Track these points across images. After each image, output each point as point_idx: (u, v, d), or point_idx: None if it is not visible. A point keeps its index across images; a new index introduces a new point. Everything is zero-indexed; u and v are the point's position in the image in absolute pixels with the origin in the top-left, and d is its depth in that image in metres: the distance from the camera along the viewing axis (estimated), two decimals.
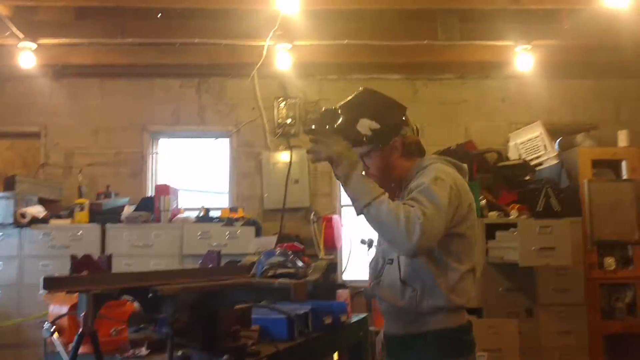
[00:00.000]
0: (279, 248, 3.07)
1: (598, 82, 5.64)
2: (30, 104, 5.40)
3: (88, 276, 1.79)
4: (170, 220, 4.78)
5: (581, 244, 4.73)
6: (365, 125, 1.99)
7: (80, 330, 1.55)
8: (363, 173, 1.90)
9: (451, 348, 1.94)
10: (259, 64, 5.06)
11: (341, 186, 1.90)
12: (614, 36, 4.67)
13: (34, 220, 4.64)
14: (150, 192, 5.34)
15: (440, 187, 1.86)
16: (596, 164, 4.96)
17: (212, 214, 4.96)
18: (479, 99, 5.64)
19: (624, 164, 4.99)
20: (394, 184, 2.04)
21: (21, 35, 4.59)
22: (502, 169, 5.07)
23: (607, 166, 5.05)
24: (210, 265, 2.14)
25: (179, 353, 1.79)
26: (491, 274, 4.56)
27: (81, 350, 1.61)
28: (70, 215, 4.80)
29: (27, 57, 4.78)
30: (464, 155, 4.87)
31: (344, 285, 2.99)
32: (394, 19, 4.87)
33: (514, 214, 4.65)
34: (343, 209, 5.58)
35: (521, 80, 5.51)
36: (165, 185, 4.92)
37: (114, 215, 4.76)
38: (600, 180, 4.91)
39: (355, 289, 4.24)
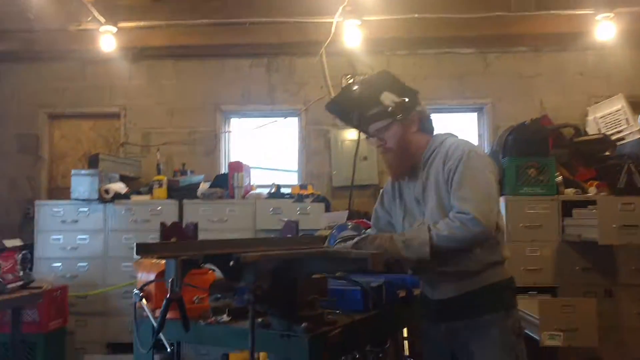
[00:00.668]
0: (350, 222, 3.11)
1: None
2: (111, 86, 5.66)
3: (176, 243, 1.89)
4: (243, 197, 4.92)
5: None
6: (389, 98, 2.15)
7: (168, 295, 1.64)
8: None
9: (510, 297, 2.14)
10: (328, 40, 5.08)
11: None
12: None
13: (117, 196, 4.89)
14: (223, 170, 5.50)
15: (475, 163, 2.03)
16: None
17: (283, 191, 5.06)
18: (554, 72, 5.42)
19: None
20: (409, 158, 2.18)
21: (102, 20, 4.81)
22: (579, 144, 4.86)
23: None
24: (288, 235, 2.19)
25: (259, 320, 1.87)
26: (567, 252, 4.42)
27: (168, 316, 1.70)
28: (150, 191, 5.02)
29: (108, 40, 5.01)
30: (537, 130, 4.71)
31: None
32: None
33: (592, 191, 4.47)
34: None
35: (601, 51, 5.26)
36: (238, 162, 5.05)
37: (190, 191, 4.94)
38: None
39: None
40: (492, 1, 4.76)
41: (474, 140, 4.77)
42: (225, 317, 2.03)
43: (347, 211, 4.86)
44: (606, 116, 4.99)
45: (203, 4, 4.89)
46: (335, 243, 2.85)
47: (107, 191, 4.82)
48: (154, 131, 5.62)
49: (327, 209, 4.90)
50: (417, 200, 2.19)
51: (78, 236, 4.91)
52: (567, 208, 4.44)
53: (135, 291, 1.99)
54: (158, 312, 1.81)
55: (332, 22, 4.87)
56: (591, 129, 5.08)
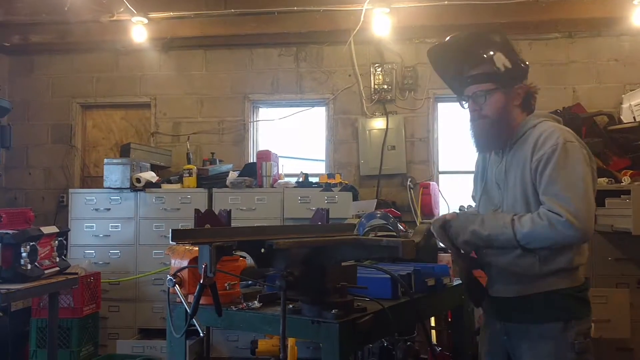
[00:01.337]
0: (379, 211, 3.11)
1: None
2: (141, 76, 5.75)
3: (210, 229, 1.92)
4: (271, 185, 4.96)
5: None
6: (501, 60, 1.92)
7: (202, 281, 1.67)
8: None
9: (574, 307, 1.91)
10: (356, 29, 5.05)
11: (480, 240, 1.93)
12: None
13: (148, 185, 4.97)
14: (251, 159, 5.54)
15: (570, 155, 1.83)
16: None
17: (311, 180, 5.08)
18: (588, 59, 5.31)
19: None
20: (504, 132, 1.98)
21: (135, 11, 4.87)
22: (613, 132, 4.77)
23: None
24: (319, 223, 2.21)
25: (290, 306, 1.90)
26: (599, 242, 4.35)
27: (200, 301, 1.73)
28: (180, 180, 5.09)
29: (139, 31, 5.08)
30: (570, 118, 4.63)
31: (445, 249, 2.99)
32: None
33: (626, 180, 4.38)
34: (441, 176, 5.52)
35: (636, 37, 5.13)
36: (266, 151, 5.08)
37: (220, 180, 5.00)
38: None
39: None
40: None
41: None
42: (256, 303, 2.06)
43: (376, 200, 4.87)
44: None
45: None
46: (365, 231, 2.87)
47: (138, 180, 4.91)
48: (184, 121, 5.69)
49: (355, 197, 4.90)
50: (497, 183, 2.03)
51: (110, 224, 5.01)
52: (600, 197, 4.36)
53: (169, 277, 2.03)
54: (191, 298, 1.85)
55: (360, 10, 4.85)
56: (626, 117, 4.96)
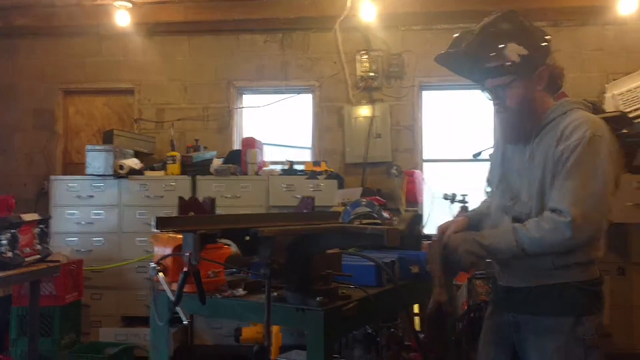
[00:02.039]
0: (364, 199, 3.11)
1: None
2: (124, 62, 5.66)
3: (195, 217, 1.90)
4: (256, 173, 4.94)
5: None
6: (514, 51, 1.80)
7: (186, 269, 1.65)
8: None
9: (587, 302, 1.84)
10: (343, 15, 5.02)
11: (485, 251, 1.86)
12: None
13: (131, 172, 4.92)
14: (236, 146, 5.51)
15: (595, 150, 1.74)
16: None
17: (296, 167, 5.07)
18: (573, 48, 5.32)
19: None
20: (531, 120, 1.88)
21: None
22: None
23: None
24: (305, 211, 2.20)
25: (275, 294, 1.89)
26: None
27: (184, 290, 1.72)
28: (163, 167, 5.05)
29: (122, 15, 5.00)
30: None
31: (430, 237, 3.00)
32: None
33: None
34: (425, 164, 5.53)
35: (621, 27, 5.16)
36: (251, 138, 5.05)
37: (204, 167, 4.96)
38: None
39: None
40: None
41: None
42: (241, 291, 2.05)
43: (361, 188, 4.87)
44: (625, 93, 4.91)
45: None
46: (350, 219, 2.87)
47: (121, 167, 4.86)
48: (168, 107, 5.63)
49: (341, 185, 4.91)
50: (518, 171, 1.92)
51: (93, 211, 4.96)
52: None
53: (152, 265, 2.01)
54: (174, 286, 1.83)
55: None
56: (609, 107, 5.00)
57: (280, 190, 4.81)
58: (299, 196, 4.57)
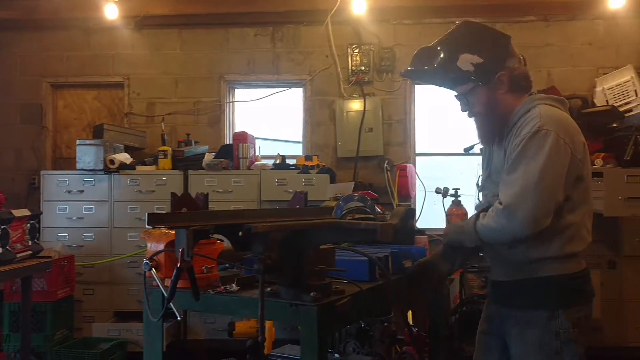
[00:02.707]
0: (357, 194, 3.11)
1: None
2: (114, 55, 5.61)
3: (187, 213, 1.89)
4: (248, 167, 4.92)
5: None
6: (467, 61, 1.88)
7: (179, 264, 1.65)
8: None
9: (562, 296, 1.87)
10: (334, 9, 5.01)
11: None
12: None
13: (122, 167, 4.89)
14: (227, 141, 5.49)
15: (538, 144, 1.78)
16: None
17: (288, 162, 5.06)
18: (563, 43, 5.35)
19: None
20: (499, 122, 1.95)
21: None
22: (586, 115, 4.82)
23: None
24: (297, 207, 2.20)
25: (268, 289, 1.89)
26: None
27: (177, 285, 1.72)
28: (155, 162, 5.02)
29: (111, 8, 4.95)
30: None
31: (422, 231, 3.01)
32: None
33: (599, 163, 4.46)
34: (417, 158, 5.54)
35: (610, 21, 5.18)
36: (243, 132, 5.03)
37: (195, 162, 4.94)
38: None
39: (432, 236, 4.26)
40: None
41: None
42: (234, 287, 2.05)
43: (353, 182, 4.88)
44: (614, 87, 4.94)
45: None
46: (342, 214, 2.87)
47: (112, 161, 4.83)
48: (158, 101, 5.59)
49: (333, 180, 4.90)
50: (498, 170, 1.99)
51: (84, 206, 4.93)
52: None
53: (145, 261, 2.00)
54: (167, 282, 1.83)
55: None
56: (599, 101, 5.04)
57: (272, 185, 4.80)
58: (291, 190, 4.58)
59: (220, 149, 5.12)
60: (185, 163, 4.95)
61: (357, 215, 2.83)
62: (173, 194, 2.04)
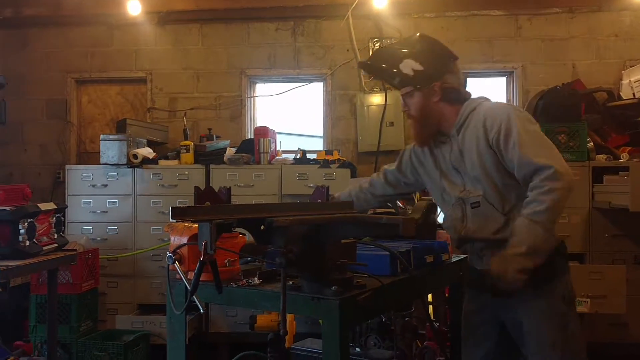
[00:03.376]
0: None
1: None
2: (137, 51, 5.67)
3: (210, 206, 1.91)
4: (269, 162, 4.94)
5: None
6: (408, 66, 2.13)
7: (202, 258, 1.67)
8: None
9: (557, 265, 2.08)
10: (355, 3, 4.99)
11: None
12: None
13: (145, 161, 4.95)
14: (249, 135, 5.51)
15: (523, 116, 2.05)
16: None
17: (309, 156, 5.06)
18: (588, 35, 5.26)
19: None
20: (429, 128, 2.20)
21: None
22: (612, 109, 4.75)
23: None
24: (319, 201, 2.21)
25: (290, 283, 1.90)
26: (597, 218, 4.37)
27: (200, 278, 1.74)
28: (177, 156, 5.07)
29: (133, 4, 5.00)
30: (569, 95, 4.62)
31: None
32: None
33: (624, 157, 4.39)
34: None
35: (637, 12, 5.12)
36: (264, 127, 5.05)
37: (217, 156, 4.97)
38: None
39: None
40: None
41: None
42: (256, 280, 2.06)
43: None
44: None
45: None
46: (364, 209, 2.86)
47: (135, 156, 4.88)
48: (180, 96, 5.64)
49: (353, 174, 4.90)
50: (454, 167, 2.19)
51: (108, 200, 4.99)
52: (598, 174, 4.37)
53: (169, 254, 2.02)
54: (190, 275, 1.85)
55: None
56: (625, 94, 4.95)
57: (293, 179, 4.81)
58: (312, 185, 4.58)
59: (241, 143, 5.15)
60: (207, 158, 4.98)
61: (378, 210, 2.82)
62: (196, 188, 2.06)
